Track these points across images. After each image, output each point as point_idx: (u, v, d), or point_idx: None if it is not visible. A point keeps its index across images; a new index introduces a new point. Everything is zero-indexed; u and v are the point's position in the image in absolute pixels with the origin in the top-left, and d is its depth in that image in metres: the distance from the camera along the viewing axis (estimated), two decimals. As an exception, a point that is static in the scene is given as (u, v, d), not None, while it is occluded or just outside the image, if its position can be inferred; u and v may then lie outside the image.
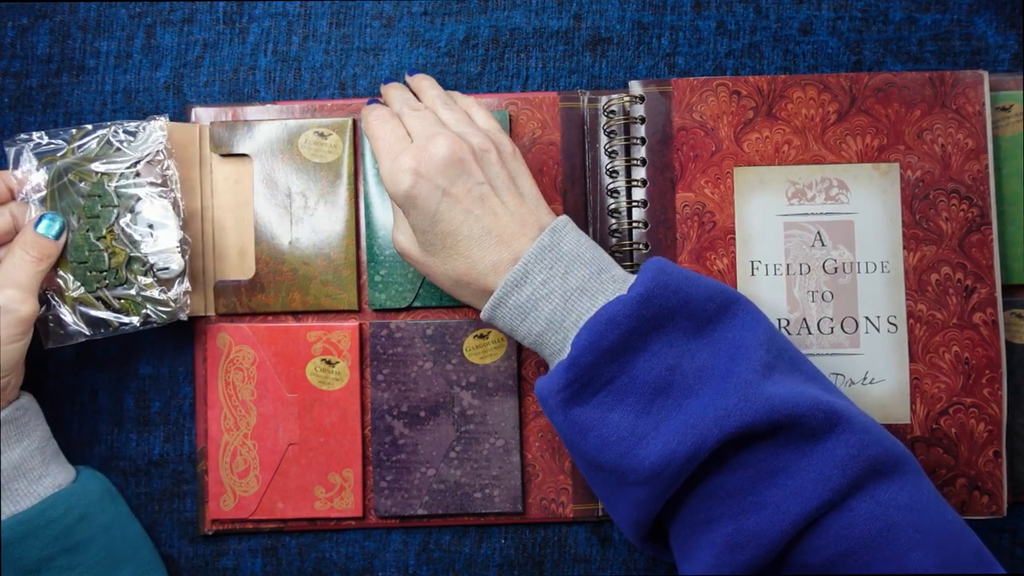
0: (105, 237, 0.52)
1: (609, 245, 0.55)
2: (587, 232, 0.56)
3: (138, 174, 0.52)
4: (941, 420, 0.53)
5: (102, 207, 0.52)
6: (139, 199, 0.52)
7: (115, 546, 0.52)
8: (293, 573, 0.57)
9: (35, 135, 0.53)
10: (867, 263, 0.54)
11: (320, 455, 0.55)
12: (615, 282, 0.46)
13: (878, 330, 0.54)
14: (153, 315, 0.53)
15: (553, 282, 0.45)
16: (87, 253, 0.52)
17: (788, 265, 0.54)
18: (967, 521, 0.54)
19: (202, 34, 0.59)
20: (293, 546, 0.57)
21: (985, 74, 0.55)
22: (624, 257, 0.55)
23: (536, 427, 0.56)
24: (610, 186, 0.56)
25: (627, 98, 0.56)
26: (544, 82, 0.58)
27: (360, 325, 0.56)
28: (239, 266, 0.56)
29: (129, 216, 0.52)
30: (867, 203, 0.54)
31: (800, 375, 0.44)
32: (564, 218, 0.48)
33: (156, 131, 0.53)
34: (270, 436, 0.56)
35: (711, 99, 0.55)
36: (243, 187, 0.57)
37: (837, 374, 0.54)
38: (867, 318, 0.54)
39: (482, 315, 0.48)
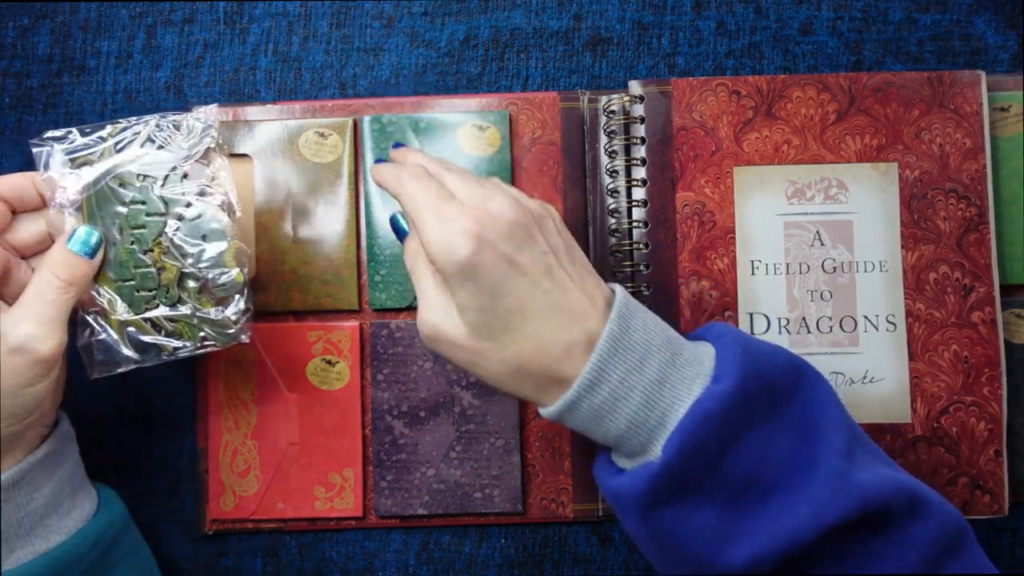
0: (152, 250, 0.46)
1: (609, 245, 0.55)
2: (587, 232, 0.56)
3: (186, 175, 0.46)
4: (942, 419, 0.54)
5: (147, 216, 0.46)
6: (189, 205, 0.46)
7: (135, 571, 0.49)
8: (293, 573, 0.57)
9: (67, 133, 0.46)
10: (866, 262, 0.54)
11: (320, 455, 0.55)
12: (691, 365, 0.41)
13: (877, 329, 0.54)
14: (211, 338, 0.47)
15: (631, 378, 0.40)
16: (133, 270, 0.45)
17: (788, 264, 0.54)
18: (969, 521, 0.55)
19: (203, 34, 0.59)
20: (293, 546, 0.57)
21: (983, 74, 0.55)
22: (624, 257, 0.55)
23: (536, 427, 0.56)
24: (610, 186, 0.56)
25: (627, 98, 0.56)
26: (544, 82, 0.58)
27: (360, 325, 0.56)
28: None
29: (178, 225, 0.46)
30: (866, 202, 0.54)
31: (870, 453, 0.42)
32: (622, 292, 0.43)
33: (204, 124, 0.47)
34: (270, 436, 0.56)
35: (711, 99, 0.55)
36: (244, 187, 0.57)
37: (837, 373, 0.54)
38: (866, 317, 0.54)
39: (546, 414, 0.42)
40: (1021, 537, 0.56)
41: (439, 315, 0.42)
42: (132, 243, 0.46)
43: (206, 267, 0.46)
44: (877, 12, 0.58)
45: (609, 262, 0.55)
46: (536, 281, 0.41)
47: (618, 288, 0.43)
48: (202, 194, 0.46)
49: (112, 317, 0.46)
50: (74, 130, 0.46)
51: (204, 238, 0.46)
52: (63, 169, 0.45)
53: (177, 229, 0.46)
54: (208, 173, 0.47)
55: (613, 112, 0.56)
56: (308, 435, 0.56)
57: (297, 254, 0.56)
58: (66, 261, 0.44)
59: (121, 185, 0.46)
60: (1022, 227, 0.55)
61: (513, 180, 0.56)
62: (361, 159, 0.57)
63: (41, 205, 0.46)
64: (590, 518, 0.56)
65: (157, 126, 0.46)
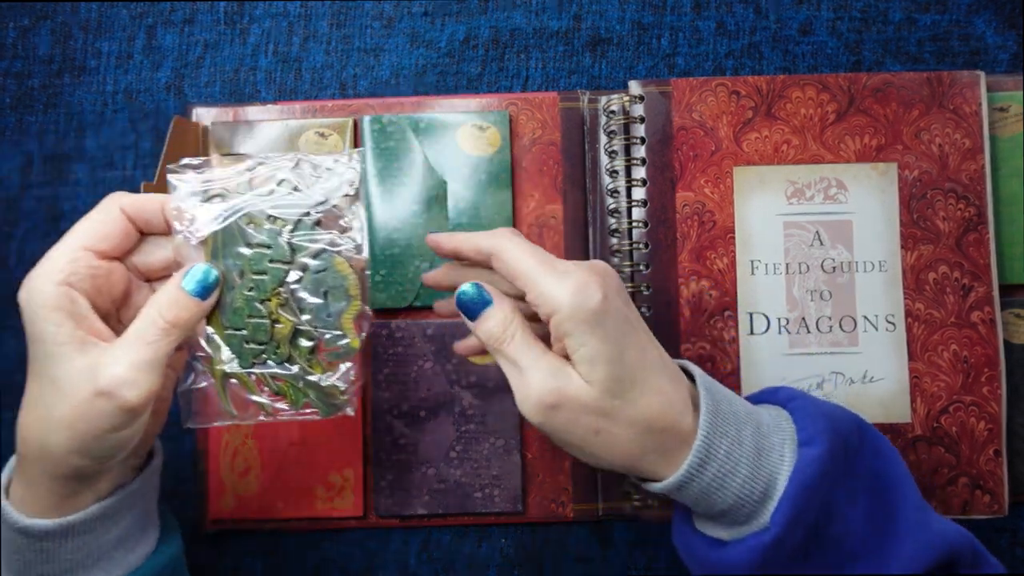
0: (270, 300, 0.42)
1: (609, 245, 0.56)
2: (587, 232, 0.56)
3: (318, 223, 0.42)
4: (941, 419, 0.54)
5: (271, 262, 0.42)
6: (316, 255, 0.42)
7: None
8: (293, 573, 0.57)
9: (205, 161, 0.43)
10: (865, 262, 0.54)
11: (320, 455, 0.55)
12: (775, 432, 0.41)
13: (876, 329, 0.54)
14: (315, 405, 0.43)
15: (735, 451, 0.40)
16: (246, 319, 0.42)
17: (787, 264, 0.54)
18: (969, 521, 0.55)
19: (203, 35, 0.59)
20: (293, 546, 0.57)
21: (982, 74, 0.55)
22: (624, 257, 0.55)
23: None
24: (610, 186, 0.56)
25: (627, 98, 0.56)
26: (544, 82, 0.59)
27: (360, 325, 0.56)
28: (240, 266, 0.57)
29: (300, 276, 0.42)
30: (865, 203, 0.55)
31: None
32: (691, 364, 0.43)
33: (347, 167, 0.43)
34: (270, 436, 0.56)
35: (711, 99, 0.55)
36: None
37: (837, 373, 0.54)
38: (865, 317, 0.54)
39: (663, 487, 0.41)
40: (1021, 537, 0.56)
41: (560, 379, 0.39)
42: (250, 289, 0.42)
43: (322, 327, 0.42)
44: (877, 12, 0.58)
45: (610, 262, 0.55)
46: (648, 335, 0.41)
47: (689, 364, 0.43)
48: (332, 245, 0.42)
49: (216, 366, 0.42)
50: (213, 158, 0.43)
51: (326, 295, 0.42)
52: (194, 199, 0.42)
53: (299, 280, 0.42)
54: (341, 223, 0.42)
55: (613, 112, 0.56)
56: (308, 435, 0.56)
57: (297, 254, 0.56)
58: (175, 300, 0.40)
59: (250, 224, 0.42)
60: (1021, 227, 0.55)
61: (513, 180, 0.56)
62: (361, 159, 0.57)
63: (167, 231, 0.43)
64: (590, 518, 0.56)
65: (297, 165, 0.43)
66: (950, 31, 0.58)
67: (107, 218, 0.40)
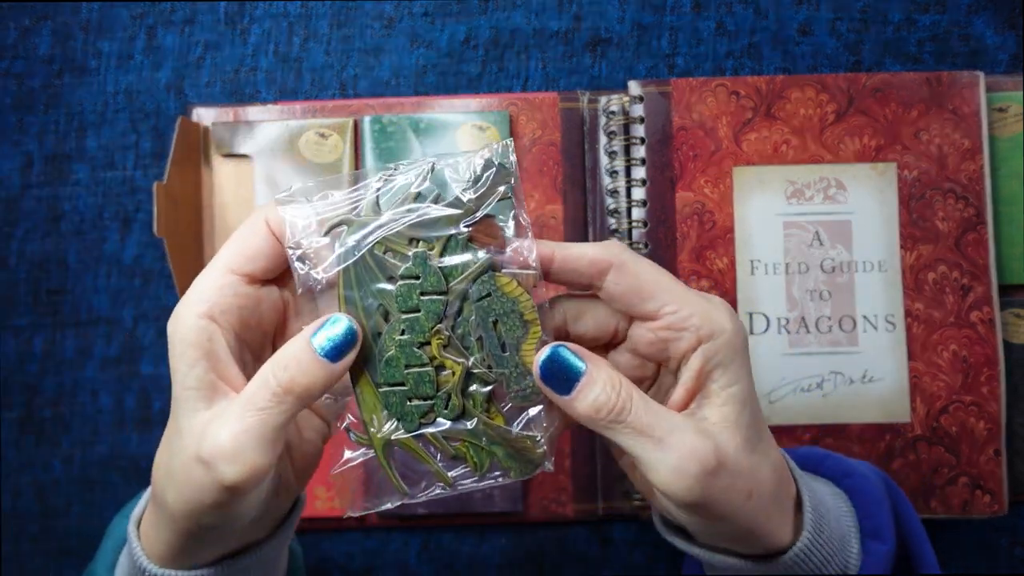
0: (429, 343, 0.34)
1: (609, 245, 0.56)
2: (587, 232, 0.56)
3: (471, 240, 0.34)
4: (941, 418, 0.54)
5: (421, 296, 0.34)
6: (476, 279, 0.34)
7: None
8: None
9: (320, 185, 0.35)
10: (865, 262, 0.54)
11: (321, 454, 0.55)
12: (847, 518, 0.38)
13: (876, 329, 0.54)
14: (505, 465, 0.34)
15: (828, 527, 0.36)
16: (404, 371, 0.34)
17: (787, 264, 0.55)
18: (969, 520, 0.55)
19: (203, 35, 0.59)
20: (293, 545, 0.57)
21: (981, 75, 0.55)
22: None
23: (536, 426, 0.56)
24: (610, 186, 0.56)
25: (627, 98, 0.56)
26: (544, 83, 0.59)
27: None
28: (240, 266, 0.56)
29: (461, 307, 0.34)
30: (864, 203, 0.55)
31: None
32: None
33: (496, 164, 0.34)
34: (271, 436, 0.56)
35: (710, 99, 0.55)
36: (244, 187, 0.57)
37: (836, 372, 0.54)
38: (865, 317, 0.54)
39: (790, 558, 0.35)
40: (1021, 536, 0.56)
41: (711, 436, 0.32)
42: (403, 333, 0.34)
43: (498, 367, 0.34)
44: (876, 13, 0.59)
45: (609, 262, 0.55)
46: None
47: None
48: (492, 268, 0.34)
49: (376, 435, 0.34)
50: (326, 181, 0.35)
51: (495, 325, 0.34)
52: (313, 235, 0.34)
53: (459, 313, 0.34)
54: (501, 235, 0.34)
55: (613, 113, 0.56)
56: (308, 435, 0.56)
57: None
58: (296, 359, 0.32)
59: (387, 253, 0.34)
60: (1020, 227, 0.55)
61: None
62: (361, 159, 0.57)
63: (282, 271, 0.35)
64: (590, 518, 0.56)
65: (433, 171, 0.34)
66: (949, 31, 0.58)
67: (254, 235, 0.34)
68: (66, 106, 0.59)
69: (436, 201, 0.34)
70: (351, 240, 0.34)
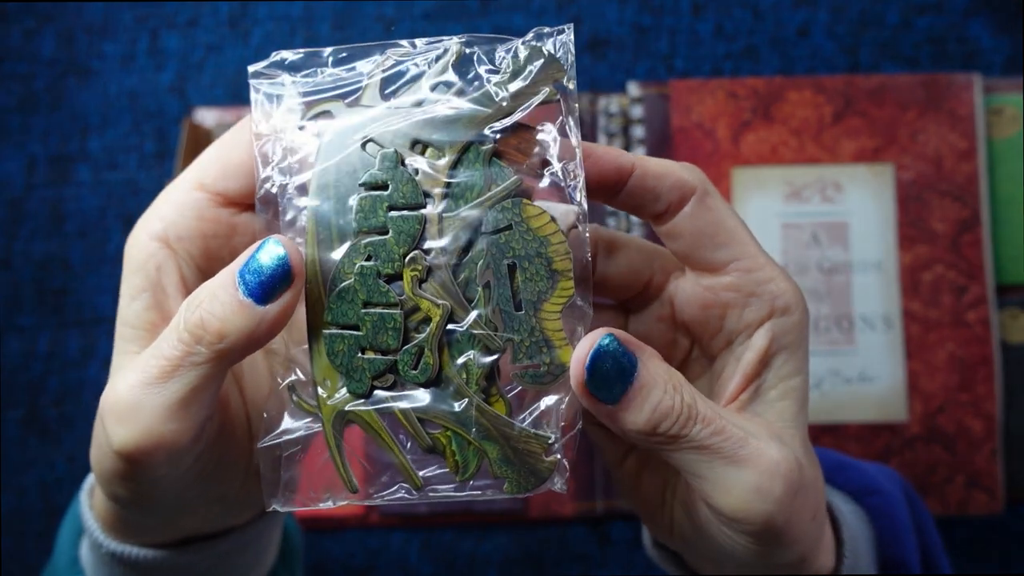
0: (401, 277, 0.25)
1: (608, 245, 0.56)
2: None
3: (497, 153, 0.25)
4: (938, 418, 0.54)
5: (390, 211, 0.25)
6: (500, 203, 0.25)
7: None
8: (294, 571, 0.57)
9: (312, 56, 0.26)
10: (862, 263, 0.55)
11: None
12: (862, 542, 0.33)
13: (873, 329, 0.54)
14: (502, 473, 0.25)
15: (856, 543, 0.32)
16: (363, 310, 0.25)
17: (785, 265, 0.55)
18: (966, 519, 0.55)
19: (206, 37, 0.59)
20: (295, 544, 0.57)
21: (977, 76, 0.55)
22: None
23: (536, 425, 0.56)
24: (609, 187, 0.56)
25: (626, 100, 0.56)
26: (544, 84, 0.59)
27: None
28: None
29: (470, 242, 0.25)
30: (862, 203, 0.55)
31: None
32: None
33: (547, 60, 0.26)
34: (272, 435, 0.56)
35: (709, 101, 0.56)
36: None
37: (834, 372, 0.54)
38: (862, 317, 0.54)
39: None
40: (1017, 534, 0.57)
41: (786, 445, 0.26)
42: (368, 259, 0.25)
43: (508, 328, 0.25)
44: (873, 15, 0.59)
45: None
46: None
47: None
48: (522, 193, 0.25)
49: (325, 401, 0.25)
50: (326, 52, 0.26)
51: (511, 270, 0.25)
52: (291, 118, 0.25)
53: (466, 250, 0.25)
54: (540, 152, 0.25)
55: (612, 114, 0.56)
56: (310, 434, 0.56)
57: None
58: (212, 295, 0.24)
59: (381, 156, 0.25)
60: (1017, 227, 0.55)
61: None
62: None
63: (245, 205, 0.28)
64: (590, 517, 0.56)
65: (458, 57, 0.25)
66: (946, 34, 0.59)
67: (235, 146, 0.26)
68: (69, 107, 0.59)
69: (460, 95, 0.25)
70: (333, 134, 0.25)
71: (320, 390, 0.25)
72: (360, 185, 0.25)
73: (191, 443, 0.24)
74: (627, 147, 0.56)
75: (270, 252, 0.23)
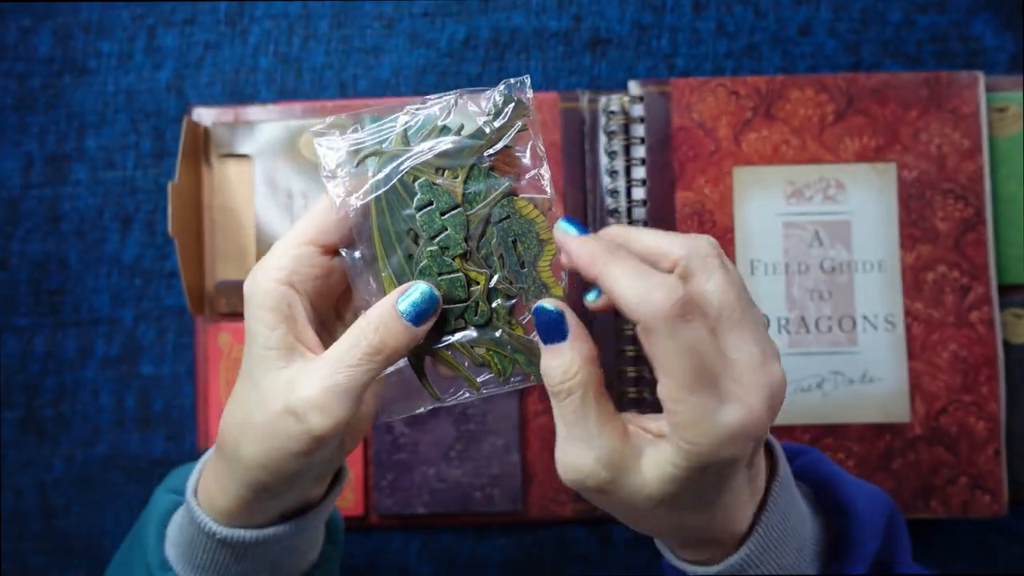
0: (456, 257, 0.37)
1: (609, 245, 0.56)
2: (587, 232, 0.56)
3: (492, 168, 0.37)
4: (941, 418, 0.54)
5: (442, 215, 0.36)
6: (499, 202, 0.37)
7: None
8: (293, 572, 0.57)
9: (355, 119, 0.38)
10: (864, 262, 0.54)
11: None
12: (811, 544, 0.37)
13: (875, 328, 0.54)
14: (526, 369, 0.37)
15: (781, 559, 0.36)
16: (438, 277, 0.36)
17: (787, 264, 0.55)
18: (969, 521, 0.55)
19: (203, 35, 0.59)
20: (293, 545, 0.57)
21: (980, 75, 0.55)
22: (623, 257, 0.55)
23: (536, 427, 0.56)
24: (610, 186, 0.56)
25: (627, 98, 0.56)
26: (544, 83, 0.59)
27: (361, 324, 0.56)
28: (240, 266, 0.57)
29: (484, 229, 0.37)
30: (864, 203, 0.55)
31: None
32: (785, 471, 0.36)
33: (516, 99, 0.37)
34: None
35: (710, 99, 0.55)
36: (244, 187, 0.57)
37: (836, 372, 0.54)
38: (864, 317, 0.54)
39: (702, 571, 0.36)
40: (1020, 536, 0.56)
41: (609, 472, 0.33)
42: (435, 248, 0.36)
43: (519, 281, 0.37)
44: (875, 13, 0.59)
45: (609, 262, 0.55)
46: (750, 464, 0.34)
47: (780, 457, 0.36)
48: (512, 193, 0.37)
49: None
50: (365, 114, 0.38)
51: (514, 244, 0.37)
52: (346, 166, 0.37)
53: (483, 235, 0.37)
54: (519, 164, 0.37)
55: (613, 112, 0.56)
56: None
57: (298, 254, 0.56)
58: (384, 322, 0.34)
59: (415, 181, 0.37)
60: (1019, 227, 0.55)
61: (513, 180, 0.56)
62: (361, 159, 0.57)
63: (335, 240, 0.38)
64: (590, 518, 0.56)
65: (456, 104, 0.37)
66: (949, 32, 0.58)
67: (326, 210, 0.37)
68: (66, 106, 0.59)
69: (459, 133, 0.37)
70: (383, 171, 0.36)
71: None
72: (414, 208, 0.36)
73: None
74: (628, 147, 0.56)
75: (423, 291, 0.35)
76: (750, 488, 0.34)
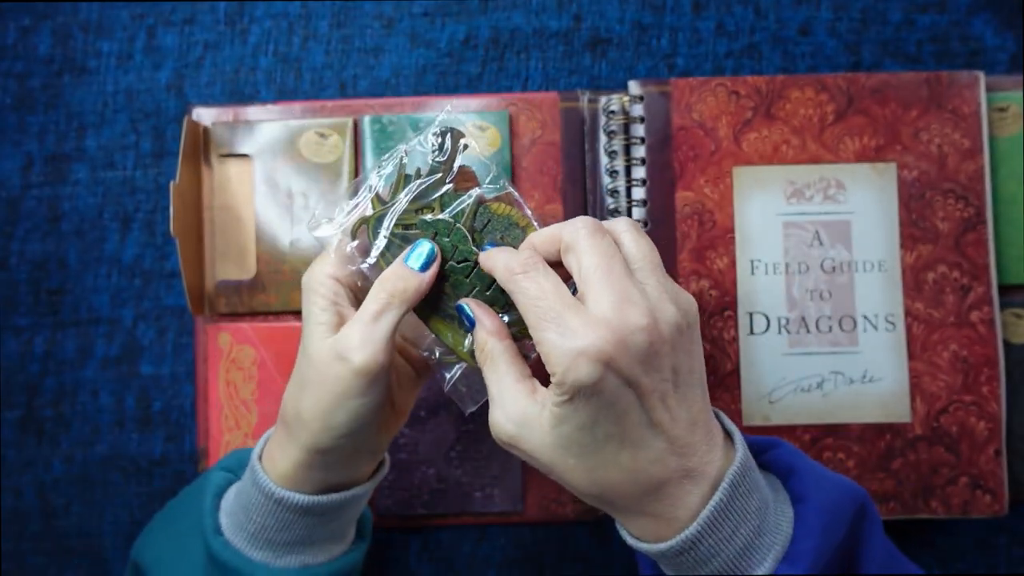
0: (467, 260, 0.43)
1: (609, 245, 0.56)
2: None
3: (457, 189, 0.44)
4: (941, 418, 0.54)
5: (448, 234, 0.43)
6: (476, 212, 0.44)
7: None
8: (293, 573, 0.57)
9: (330, 208, 0.45)
10: (864, 262, 0.54)
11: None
12: (770, 533, 0.39)
13: (876, 328, 0.54)
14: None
15: (721, 546, 0.38)
16: (464, 279, 0.43)
17: (787, 264, 0.55)
18: (969, 521, 0.55)
19: (203, 35, 0.59)
20: (293, 545, 0.57)
21: (981, 75, 0.55)
22: (624, 256, 0.55)
23: (536, 426, 0.56)
24: (610, 186, 0.56)
25: (627, 98, 0.56)
26: (544, 82, 0.59)
27: (361, 324, 0.56)
28: (240, 266, 0.57)
29: (474, 238, 0.43)
30: (864, 203, 0.55)
31: None
32: (742, 449, 0.39)
33: (452, 132, 0.44)
34: (271, 435, 0.56)
35: (710, 99, 0.55)
36: (244, 187, 0.57)
37: (836, 372, 0.54)
38: (865, 317, 0.54)
39: (635, 545, 0.40)
40: (1021, 536, 0.56)
41: (516, 426, 0.39)
42: (462, 261, 0.43)
43: None
44: (876, 13, 0.59)
45: (609, 262, 0.55)
46: (650, 406, 0.37)
47: (738, 440, 0.40)
48: (481, 201, 0.44)
49: (463, 352, 0.43)
50: (344, 205, 0.45)
51: (502, 240, 0.43)
52: (346, 242, 0.44)
53: (476, 243, 0.43)
54: (475, 177, 0.45)
55: (613, 112, 0.56)
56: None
57: (298, 254, 0.56)
58: (396, 273, 0.42)
59: (406, 228, 0.44)
60: (1020, 227, 0.55)
61: (513, 180, 0.56)
62: (361, 159, 0.57)
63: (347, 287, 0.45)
64: (590, 518, 0.56)
65: (405, 155, 0.44)
66: (949, 32, 0.58)
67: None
68: (66, 106, 0.59)
69: (419, 176, 0.44)
70: (378, 233, 0.44)
71: (458, 348, 0.44)
72: (426, 239, 0.43)
73: (386, 373, 0.41)
74: (628, 146, 0.56)
75: (425, 246, 0.43)
76: (673, 450, 0.37)
